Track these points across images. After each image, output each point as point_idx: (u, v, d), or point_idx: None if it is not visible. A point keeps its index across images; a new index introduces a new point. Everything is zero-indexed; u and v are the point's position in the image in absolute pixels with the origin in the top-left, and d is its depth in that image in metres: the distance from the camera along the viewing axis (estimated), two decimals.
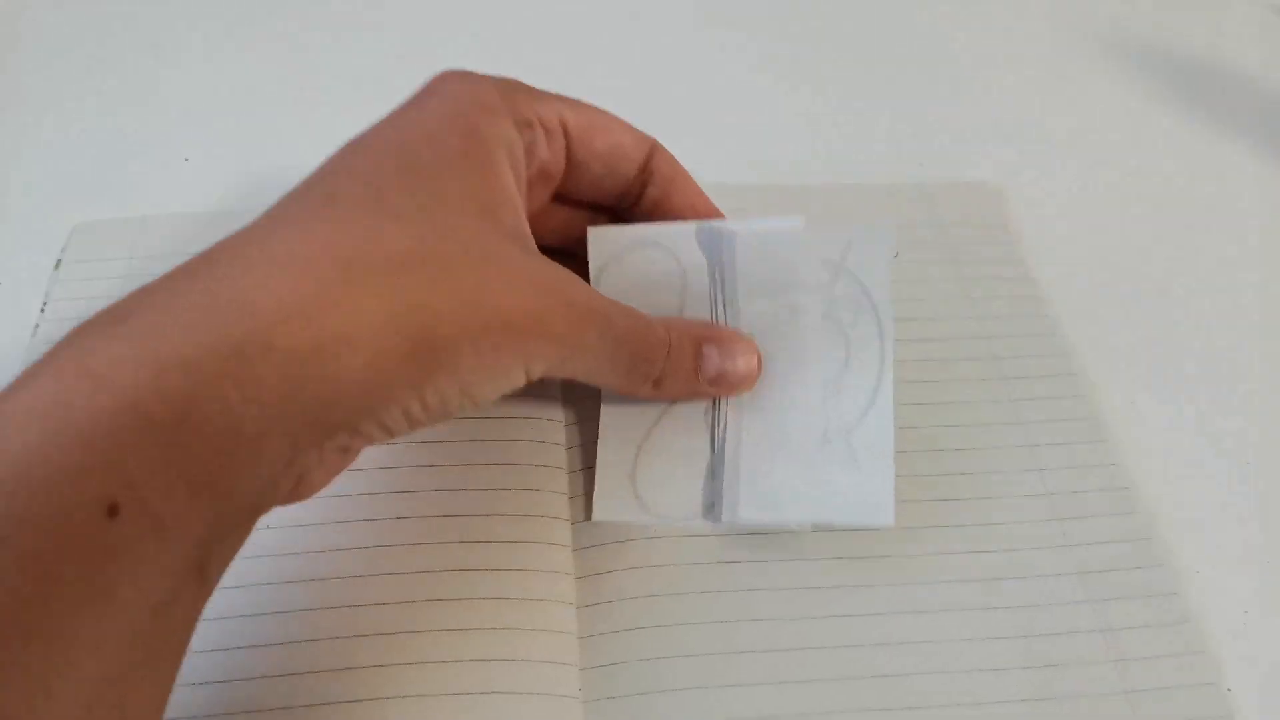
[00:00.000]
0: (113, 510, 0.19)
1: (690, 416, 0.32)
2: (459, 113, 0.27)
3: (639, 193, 0.33)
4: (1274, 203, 0.43)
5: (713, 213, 0.33)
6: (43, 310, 0.37)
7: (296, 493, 0.25)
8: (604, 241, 0.33)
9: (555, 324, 0.26)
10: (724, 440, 0.32)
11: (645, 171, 0.32)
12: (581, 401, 0.34)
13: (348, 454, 0.26)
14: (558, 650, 0.29)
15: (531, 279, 0.26)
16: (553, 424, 0.34)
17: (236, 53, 0.49)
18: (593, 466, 0.32)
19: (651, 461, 0.32)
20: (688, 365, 0.31)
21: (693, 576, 0.30)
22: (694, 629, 0.29)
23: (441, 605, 0.29)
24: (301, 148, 0.47)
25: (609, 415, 0.33)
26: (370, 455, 0.32)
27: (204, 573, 0.22)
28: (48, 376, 0.20)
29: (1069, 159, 0.45)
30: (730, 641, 0.29)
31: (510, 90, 0.29)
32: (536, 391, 0.34)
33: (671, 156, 0.33)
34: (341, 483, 0.32)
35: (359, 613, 0.29)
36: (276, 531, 0.31)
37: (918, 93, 0.48)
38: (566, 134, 0.30)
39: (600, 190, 0.32)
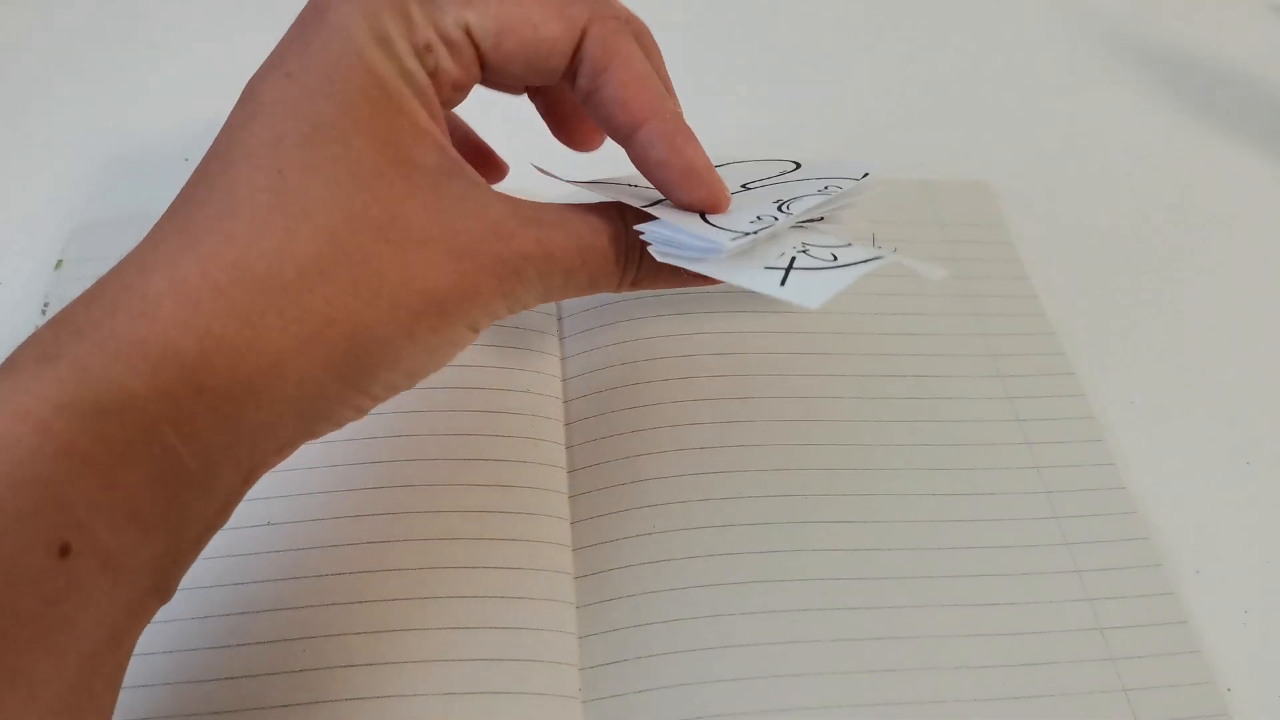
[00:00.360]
0: (64, 550, 0.20)
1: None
2: (353, 52, 0.24)
3: (572, 80, 0.28)
4: (1274, 202, 0.43)
5: (647, 113, 0.27)
6: (43, 310, 0.37)
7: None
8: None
9: (488, 287, 0.25)
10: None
11: (575, 60, 0.27)
12: (582, 401, 0.35)
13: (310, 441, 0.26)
14: (557, 650, 0.29)
15: (457, 241, 0.24)
16: (553, 423, 0.34)
17: (237, 52, 0.49)
18: (592, 464, 0.32)
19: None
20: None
21: (690, 572, 0.30)
22: (692, 624, 0.29)
23: (441, 604, 0.29)
24: None
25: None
26: (368, 452, 0.32)
27: (163, 591, 0.22)
28: (7, 383, 0.21)
29: (1068, 159, 0.45)
30: (728, 636, 0.29)
31: (401, 7, 0.25)
32: (536, 390, 0.35)
33: (611, 31, 0.27)
34: (339, 479, 0.32)
35: (356, 610, 0.29)
36: (272, 529, 0.31)
37: (917, 92, 0.48)
38: (474, 42, 0.26)
39: (528, 84, 0.28)
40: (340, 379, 0.23)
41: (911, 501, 0.32)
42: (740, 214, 0.28)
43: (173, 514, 0.22)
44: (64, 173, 0.43)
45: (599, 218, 0.27)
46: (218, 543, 0.30)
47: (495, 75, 0.27)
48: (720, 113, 0.47)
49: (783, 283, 0.26)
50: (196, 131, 0.45)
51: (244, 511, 0.31)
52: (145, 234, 0.42)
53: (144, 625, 0.22)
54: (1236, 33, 0.51)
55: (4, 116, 0.46)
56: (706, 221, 0.28)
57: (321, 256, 0.23)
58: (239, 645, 0.28)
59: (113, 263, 0.38)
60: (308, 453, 0.33)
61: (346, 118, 0.24)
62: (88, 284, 0.37)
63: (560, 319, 0.37)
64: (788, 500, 0.32)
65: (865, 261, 0.26)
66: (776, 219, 0.28)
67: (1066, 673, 0.28)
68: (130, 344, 0.21)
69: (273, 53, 0.26)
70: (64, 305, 0.39)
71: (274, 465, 0.24)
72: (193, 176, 0.25)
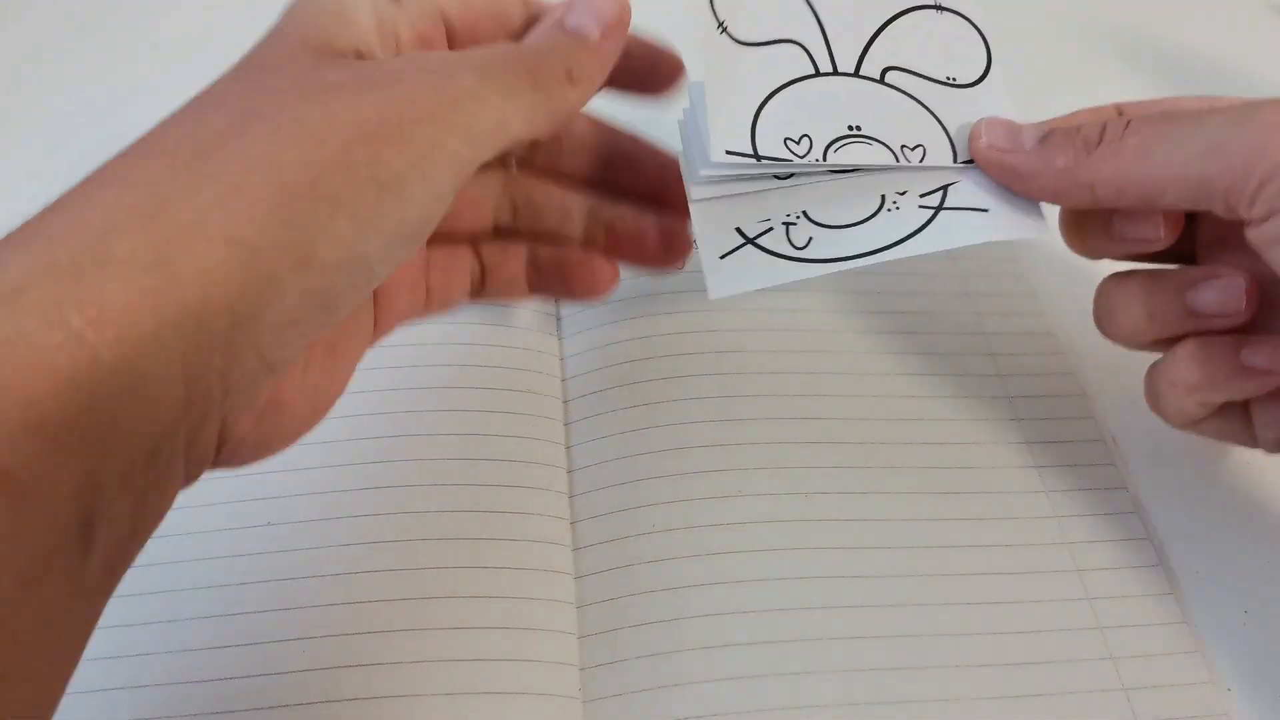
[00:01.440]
0: None
1: None
2: (298, 22, 0.24)
3: None
4: None
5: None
6: None
7: (228, 442, 0.22)
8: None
9: (434, 100, 0.23)
10: None
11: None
12: (581, 401, 0.35)
13: (271, 379, 0.22)
14: (557, 650, 0.29)
15: (386, 79, 0.23)
16: (552, 424, 0.34)
17: (237, 53, 0.49)
18: (592, 464, 0.33)
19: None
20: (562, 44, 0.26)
21: (690, 572, 0.30)
22: (692, 624, 0.29)
23: (440, 604, 0.29)
24: None
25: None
26: (368, 452, 0.32)
27: (88, 533, 0.19)
28: None
29: None
30: (728, 635, 0.29)
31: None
32: (536, 390, 0.35)
33: None
34: (339, 479, 0.32)
35: (356, 610, 0.29)
36: (272, 529, 0.31)
37: None
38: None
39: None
40: (293, 227, 0.20)
41: (911, 500, 0.32)
42: (816, 112, 0.29)
43: (94, 432, 0.18)
44: (64, 173, 0.43)
45: (508, 42, 0.26)
46: (217, 543, 0.30)
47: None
48: None
49: (723, 255, 0.27)
50: None
51: (244, 511, 0.31)
52: None
53: (68, 577, 0.19)
54: (1236, 33, 0.51)
55: (3, 116, 0.46)
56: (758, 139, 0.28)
57: (230, 126, 0.21)
58: (239, 645, 0.28)
59: None
60: (308, 453, 0.33)
61: (273, 60, 0.24)
62: None
63: (559, 319, 0.37)
64: (787, 499, 0.32)
65: (833, 261, 0.27)
66: (801, 155, 0.28)
67: (1066, 672, 0.28)
68: (45, 240, 0.19)
69: None
70: None
71: (230, 401, 0.21)
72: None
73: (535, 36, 0.26)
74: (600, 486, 0.32)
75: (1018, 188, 0.29)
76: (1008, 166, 0.29)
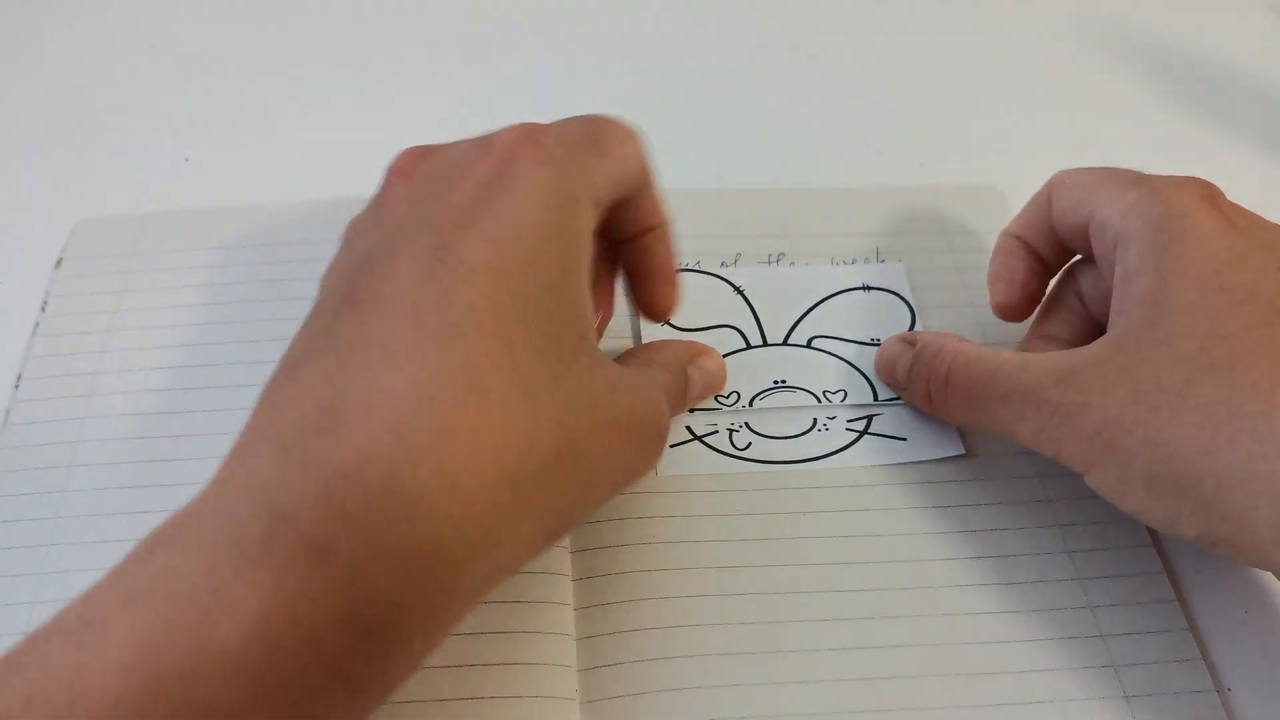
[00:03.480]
0: None
1: None
2: (551, 208, 0.25)
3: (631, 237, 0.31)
4: (1274, 202, 0.43)
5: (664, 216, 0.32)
6: (43, 309, 0.37)
7: None
8: None
9: (650, 461, 0.29)
10: None
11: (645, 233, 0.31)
12: None
13: None
14: (555, 652, 0.29)
15: (631, 421, 0.26)
16: None
17: (236, 52, 0.49)
18: None
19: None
20: (684, 385, 0.32)
21: (689, 579, 0.30)
22: (690, 630, 0.29)
23: None
24: (301, 148, 0.47)
25: None
26: None
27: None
28: (274, 578, 0.20)
29: (1069, 160, 0.45)
30: (725, 643, 0.29)
31: (583, 166, 0.27)
32: None
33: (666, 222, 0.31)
34: None
35: None
36: None
37: (918, 94, 0.48)
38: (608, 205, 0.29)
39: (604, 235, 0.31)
40: (535, 559, 0.25)
41: (911, 508, 0.32)
42: (745, 374, 0.35)
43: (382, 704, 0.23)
44: (64, 172, 0.43)
45: (665, 369, 0.31)
46: None
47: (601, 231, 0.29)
48: (719, 119, 0.47)
49: (673, 445, 0.33)
50: (196, 131, 0.45)
51: None
52: (146, 233, 0.42)
53: None
54: (1236, 33, 0.51)
55: (5, 116, 0.45)
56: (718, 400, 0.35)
57: (559, 451, 0.24)
58: None
59: (114, 260, 0.38)
60: None
61: (550, 292, 0.25)
62: (88, 282, 0.38)
63: None
64: (786, 517, 0.32)
65: (768, 462, 0.33)
66: (730, 405, 0.34)
67: (1068, 679, 0.28)
68: (405, 545, 0.21)
69: (448, 196, 0.25)
70: (63, 304, 0.38)
71: None
72: (395, 302, 0.23)
73: (672, 365, 0.32)
74: None
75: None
76: (902, 400, 0.34)
